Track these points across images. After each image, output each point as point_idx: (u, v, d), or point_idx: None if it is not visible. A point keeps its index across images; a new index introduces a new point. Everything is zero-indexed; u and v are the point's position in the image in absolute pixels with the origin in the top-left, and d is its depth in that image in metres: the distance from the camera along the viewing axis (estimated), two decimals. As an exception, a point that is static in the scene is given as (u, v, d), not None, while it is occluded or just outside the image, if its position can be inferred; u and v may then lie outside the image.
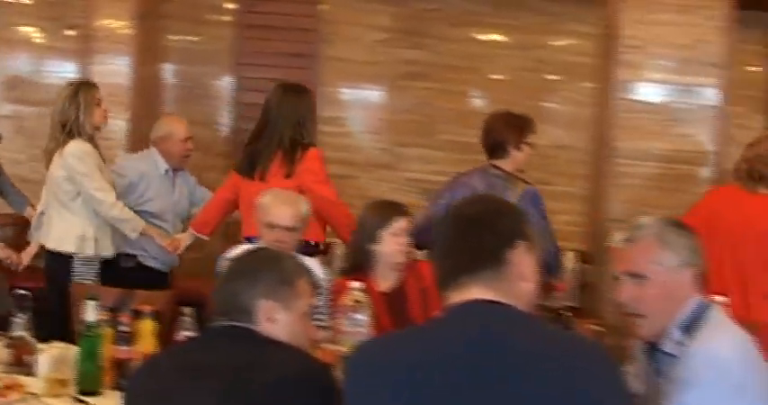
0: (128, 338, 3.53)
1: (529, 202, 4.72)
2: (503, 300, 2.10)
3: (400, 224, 4.19)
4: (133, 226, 5.27)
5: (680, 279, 2.72)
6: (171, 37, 7.51)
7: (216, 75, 7.60)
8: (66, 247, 5.18)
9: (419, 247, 4.24)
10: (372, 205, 4.44)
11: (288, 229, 4.24)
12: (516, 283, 2.14)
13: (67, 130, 5.14)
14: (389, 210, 4.28)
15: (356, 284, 3.70)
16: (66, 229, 5.19)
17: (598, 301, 5.28)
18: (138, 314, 3.64)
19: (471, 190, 4.80)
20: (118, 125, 6.35)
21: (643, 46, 5.43)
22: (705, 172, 5.54)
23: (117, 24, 6.46)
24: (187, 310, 3.57)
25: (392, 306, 4.11)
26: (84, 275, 5.16)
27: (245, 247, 3.91)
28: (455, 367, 1.98)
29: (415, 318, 4.08)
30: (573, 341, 2.18)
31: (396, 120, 7.61)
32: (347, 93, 7.74)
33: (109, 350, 3.50)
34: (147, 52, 6.90)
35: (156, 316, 3.64)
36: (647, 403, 2.73)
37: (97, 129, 5.29)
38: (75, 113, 5.14)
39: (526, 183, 4.86)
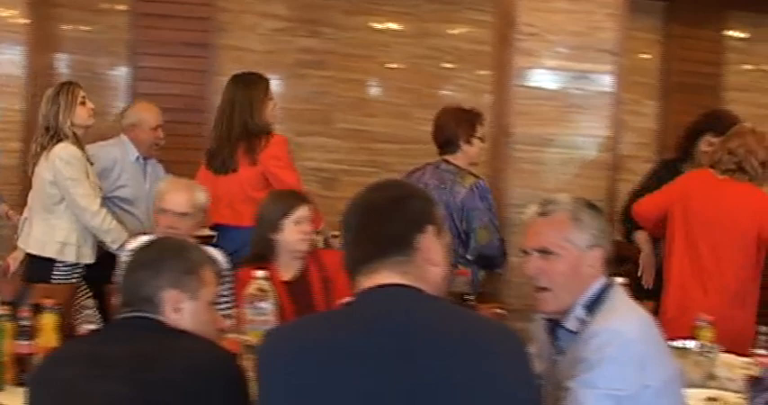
0: (29, 333, 3.45)
1: (477, 195, 4.80)
2: (412, 284, 2.11)
3: (302, 212, 4.20)
4: (114, 237, 5.09)
5: (588, 258, 2.77)
6: (65, 26, 7.37)
7: (111, 64, 7.49)
8: (48, 252, 5.05)
9: None
10: (273, 194, 4.44)
11: (180, 214, 4.26)
12: (425, 267, 2.15)
13: (51, 132, 5.04)
14: (291, 198, 4.28)
15: (260, 273, 3.69)
16: (48, 233, 5.05)
17: (500, 285, 5.32)
18: (39, 308, 3.57)
19: (422, 186, 4.82)
20: (12, 116, 6.20)
21: (539, 33, 5.47)
22: (601, 157, 5.60)
23: (9, 13, 6.30)
24: (89, 302, 3.52)
25: (295, 295, 4.11)
26: (64, 280, 5.02)
27: (144, 238, 3.86)
28: (365, 351, 1.98)
29: (318, 306, 4.09)
30: (481, 323, 2.20)
31: (294, 109, 7.57)
32: (244, 82, 7.68)
33: (10, 345, 3.42)
34: (41, 42, 6.74)
35: (58, 309, 3.57)
36: (547, 381, 2.77)
37: (83, 128, 5.19)
38: (55, 114, 5.04)
39: (475, 176, 4.91)
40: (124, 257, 4.07)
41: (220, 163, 5.20)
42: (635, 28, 7.10)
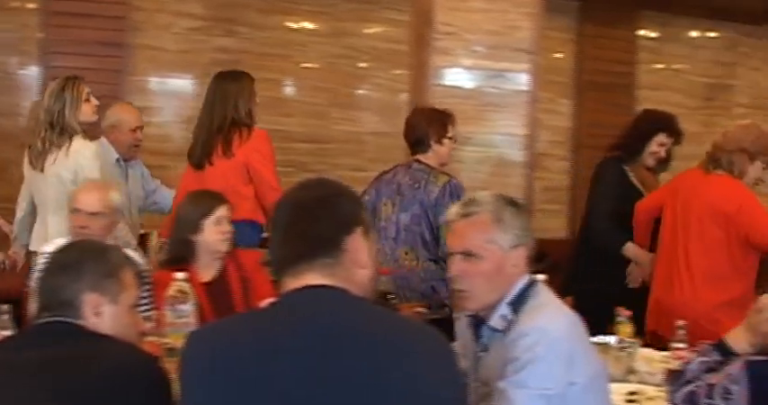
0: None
1: (448, 192, 4.75)
2: (339, 285, 2.09)
3: (221, 212, 4.16)
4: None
5: (513, 258, 2.77)
6: (-27, 25, 7.21)
7: (22, 64, 7.34)
8: None
9: None
10: (191, 195, 4.40)
11: (92, 214, 4.19)
12: (353, 269, 2.13)
13: (58, 128, 4.91)
14: (209, 199, 4.24)
15: (181, 275, 3.65)
16: (60, 232, 4.78)
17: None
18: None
19: (396, 186, 4.86)
20: None
21: (456, 32, 5.49)
22: (517, 155, 5.65)
23: None
24: (4, 307, 3.44)
25: (214, 296, 4.07)
26: None
27: (60, 241, 3.79)
28: (289, 352, 1.96)
29: (238, 307, 4.05)
30: (404, 324, 2.18)
31: (209, 108, 7.49)
32: (159, 82, 7.63)
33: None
34: (-51, 41, 6.61)
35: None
36: (471, 378, 2.78)
37: (87, 124, 5.08)
38: (60, 110, 4.91)
39: (449, 175, 4.88)
40: (41, 260, 3.99)
41: (197, 159, 5.12)
42: (549, 27, 7.17)
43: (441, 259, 4.67)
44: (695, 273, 4.61)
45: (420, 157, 4.93)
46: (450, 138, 4.98)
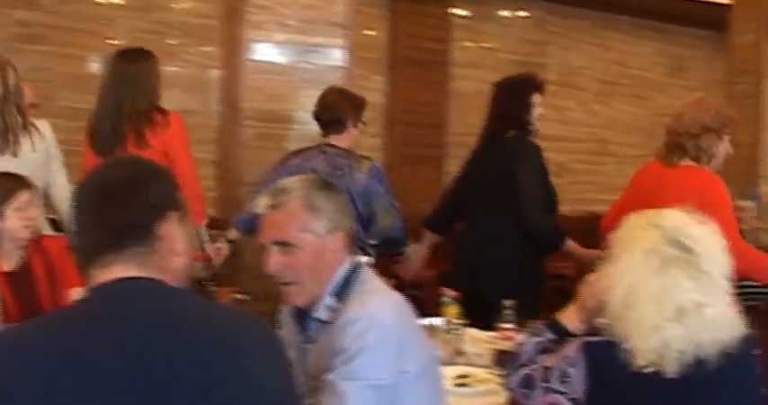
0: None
1: (376, 178, 4.58)
2: (154, 276, 1.88)
3: (24, 197, 3.86)
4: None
5: (331, 244, 2.62)
6: None
7: None
8: None
9: None
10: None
11: None
12: (168, 258, 1.92)
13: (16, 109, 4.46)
14: (11, 183, 3.94)
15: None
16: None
17: (236, 269, 5.15)
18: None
19: (312, 173, 4.49)
20: None
21: (270, 6, 5.33)
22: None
23: None
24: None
25: (17, 287, 3.79)
26: None
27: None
28: (105, 352, 1.75)
29: (43, 298, 3.81)
30: (232, 317, 2.01)
31: (9, 86, 7.12)
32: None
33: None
34: None
35: None
36: (298, 370, 2.63)
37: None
38: (17, 91, 4.46)
39: (369, 159, 4.69)
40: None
41: (108, 146, 4.69)
42: (363, 3, 7.11)
43: (369, 247, 4.58)
44: None
45: (334, 139, 4.71)
46: (363, 122, 4.81)
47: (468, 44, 9.62)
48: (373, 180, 4.58)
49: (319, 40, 5.48)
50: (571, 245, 4.84)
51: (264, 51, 5.43)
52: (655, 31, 11.18)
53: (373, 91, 8.82)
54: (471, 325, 3.87)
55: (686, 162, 4.20)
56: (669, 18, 10.92)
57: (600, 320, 2.52)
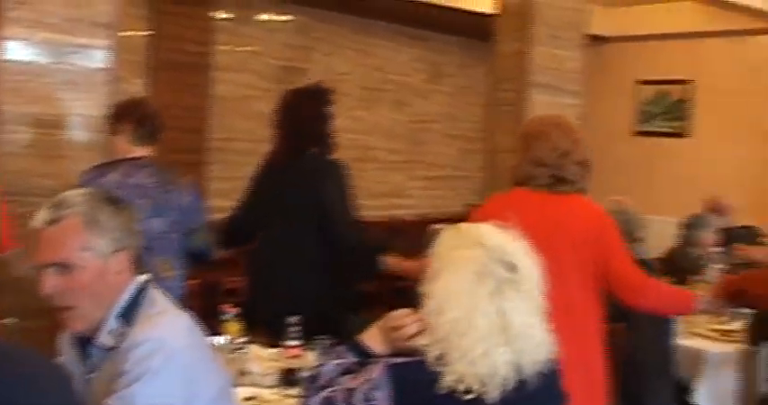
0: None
1: (196, 193, 4.44)
2: None
3: None
4: None
5: (115, 265, 2.43)
6: None
7: None
8: None
9: None
10: None
11: None
12: None
13: None
14: None
15: None
16: None
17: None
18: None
19: (136, 187, 4.28)
20: None
21: (30, 2, 4.99)
22: (93, 137, 5.22)
23: None
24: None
25: None
26: None
27: None
28: None
29: None
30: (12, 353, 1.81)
31: None
32: None
33: None
34: None
35: None
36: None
37: None
38: None
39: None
40: None
41: None
42: (127, 3, 6.82)
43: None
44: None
45: (145, 151, 4.45)
46: None
47: (231, 48, 9.49)
48: (196, 195, 4.41)
49: (83, 40, 5.19)
50: (391, 260, 4.63)
51: (22, 51, 5.07)
52: (413, 38, 11.33)
53: (134, 94, 8.53)
54: (251, 342, 3.73)
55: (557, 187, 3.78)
56: (427, 25, 11.08)
57: (417, 342, 2.40)
